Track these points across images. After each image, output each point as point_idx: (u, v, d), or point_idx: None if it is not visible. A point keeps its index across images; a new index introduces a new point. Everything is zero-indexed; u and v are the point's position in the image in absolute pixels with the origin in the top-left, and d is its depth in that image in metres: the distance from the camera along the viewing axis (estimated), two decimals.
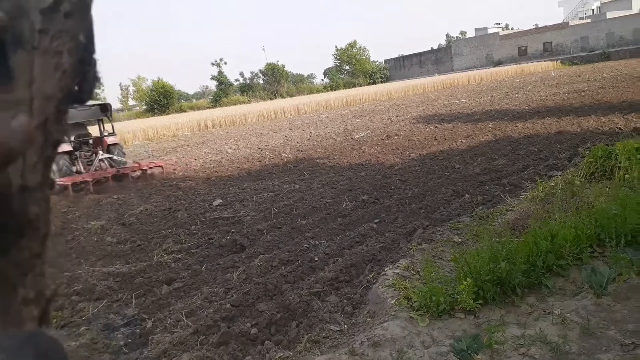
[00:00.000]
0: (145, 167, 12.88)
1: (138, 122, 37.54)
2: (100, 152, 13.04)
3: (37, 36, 0.53)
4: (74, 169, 12.55)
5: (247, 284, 4.81)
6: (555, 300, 3.60)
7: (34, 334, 0.55)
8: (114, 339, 4.13)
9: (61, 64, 0.54)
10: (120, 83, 78.74)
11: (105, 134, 13.60)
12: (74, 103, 0.59)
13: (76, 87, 0.59)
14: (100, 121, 13.81)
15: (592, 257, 4.05)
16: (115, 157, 13.05)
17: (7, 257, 0.55)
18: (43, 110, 0.54)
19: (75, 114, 12.49)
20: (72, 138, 13.10)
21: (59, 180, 11.59)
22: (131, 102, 70.49)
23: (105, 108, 13.47)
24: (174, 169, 13.51)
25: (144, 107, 62.14)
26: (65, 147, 12.41)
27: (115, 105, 72.67)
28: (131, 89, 68.95)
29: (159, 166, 13.17)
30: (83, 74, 0.58)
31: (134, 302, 4.84)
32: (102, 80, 0.61)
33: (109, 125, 13.88)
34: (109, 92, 70.88)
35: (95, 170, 12.51)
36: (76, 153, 12.93)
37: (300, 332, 3.84)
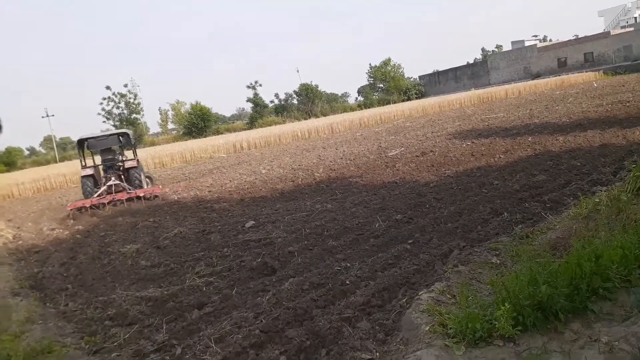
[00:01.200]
0: (141, 194, 13.61)
1: (176, 145, 38.48)
2: (113, 178, 14.31)
3: None
4: (96, 190, 14.05)
5: (276, 309, 4.72)
6: (602, 327, 3.35)
7: None
8: None
9: None
10: (160, 107, 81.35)
11: (125, 159, 15.10)
12: None
13: None
14: (120, 147, 15.27)
15: None
16: (120, 183, 14.31)
17: None
18: None
19: (94, 143, 14.62)
20: (99, 163, 14.80)
21: (69, 205, 13.44)
22: (170, 125, 72.48)
23: (122, 136, 14.97)
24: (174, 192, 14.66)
25: (182, 131, 63.74)
26: (89, 171, 14.35)
27: (155, 129, 75.08)
28: (170, 113, 70.94)
29: (156, 194, 13.85)
30: None
31: (164, 327, 4.82)
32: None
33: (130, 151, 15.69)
34: (148, 116, 73.21)
35: (108, 193, 13.89)
36: (102, 176, 14.56)
37: None
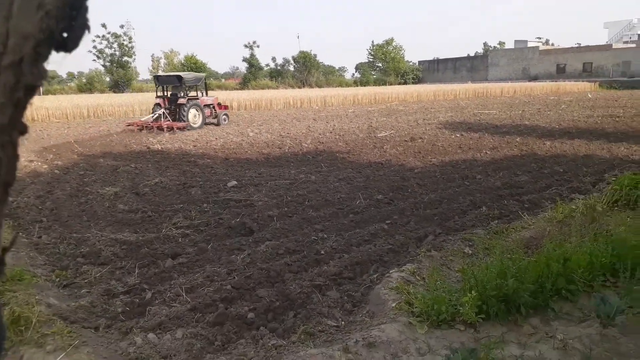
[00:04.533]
0: (164, 126, 17.54)
1: None
2: (163, 109, 18.47)
3: None
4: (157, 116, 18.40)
5: (250, 268, 4.79)
6: (560, 325, 3.50)
7: None
8: (112, 305, 4.16)
9: (45, 3, 0.50)
10: (153, 54, 79.70)
11: (180, 96, 19.07)
12: (59, 49, 0.55)
13: (64, 34, 0.54)
14: (178, 87, 19.18)
15: (604, 286, 3.93)
16: (165, 114, 18.39)
17: None
18: (18, 49, 0.49)
19: (161, 79, 19.67)
20: (168, 95, 19.20)
21: (125, 123, 19.54)
22: (161, 74, 71.15)
23: (179, 78, 18.69)
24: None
25: None
26: (158, 100, 18.92)
27: (145, 75, 73.73)
28: (162, 61, 69.50)
29: (177, 127, 17.51)
30: (70, 20, 0.54)
31: (136, 271, 4.87)
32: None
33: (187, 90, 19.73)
34: (139, 61, 71.36)
35: (153, 120, 18.40)
36: (167, 105, 18.78)
37: (296, 322, 3.81)
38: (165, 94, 19.31)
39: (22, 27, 0.49)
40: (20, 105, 0.52)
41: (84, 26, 0.56)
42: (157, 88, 19.90)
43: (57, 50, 0.55)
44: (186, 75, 19.19)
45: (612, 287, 3.97)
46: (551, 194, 7.57)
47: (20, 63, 0.50)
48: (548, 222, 5.57)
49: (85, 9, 0.54)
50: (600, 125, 16.51)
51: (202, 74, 21.31)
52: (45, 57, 0.53)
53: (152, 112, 18.82)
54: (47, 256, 5.32)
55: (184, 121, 18.01)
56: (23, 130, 0.54)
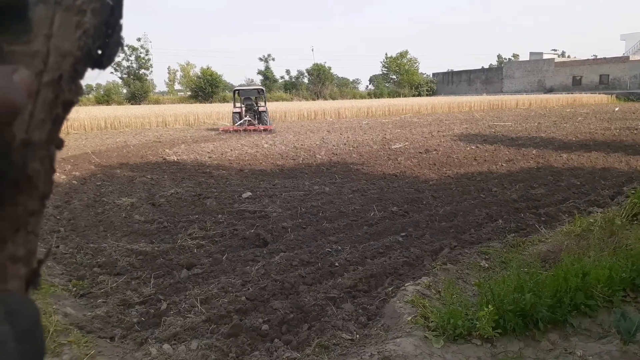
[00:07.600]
0: (261, 128, 21.43)
1: (181, 107, 38.34)
2: (248, 116, 22.15)
3: None
4: (239, 122, 22.08)
5: (264, 280, 4.79)
6: (579, 341, 3.44)
7: (3, 292, 0.51)
8: (128, 315, 4.18)
9: (83, 22, 0.52)
10: (169, 67, 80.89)
11: (258, 105, 22.80)
12: (94, 67, 0.57)
13: (99, 51, 0.56)
14: (256, 98, 23.11)
15: (624, 301, 3.85)
16: (251, 120, 22.12)
17: (1, 211, 0.53)
18: (58, 67, 0.52)
19: (242, 92, 23.13)
20: (243, 105, 22.85)
21: (220, 128, 22.98)
22: (177, 86, 72.12)
23: (260, 90, 23.11)
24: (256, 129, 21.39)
25: (189, 93, 63.43)
26: (237, 109, 22.75)
27: (161, 87, 74.86)
28: (179, 74, 70.47)
29: (269, 129, 21.55)
30: (106, 38, 0.56)
31: (152, 281, 4.90)
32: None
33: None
34: (156, 74, 72.77)
35: (239, 125, 21.93)
36: (246, 113, 22.46)
37: (311, 335, 3.79)
38: (242, 104, 22.87)
39: (61, 45, 0.51)
40: (58, 121, 0.54)
41: (118, 44, 0.58)
42: (234, 99, 23.75)
43: (93, 67, 0.57)
44: (263, 87, 24.04)
45: (632, 302, 3.90)
46: (568, 207, 7.46)
47: (60, 80, 0.52)
48: (566, 236, 5.49)
49: (120, 28, 0.56)
50: (618, 138, 16.30)
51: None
52: (82, 74, 0.55)
53: (233, 120, 22.48)
54: (64, 266, 5.38)
55: (268, 124, 22.12)
56: (59, 144, 0.56)
